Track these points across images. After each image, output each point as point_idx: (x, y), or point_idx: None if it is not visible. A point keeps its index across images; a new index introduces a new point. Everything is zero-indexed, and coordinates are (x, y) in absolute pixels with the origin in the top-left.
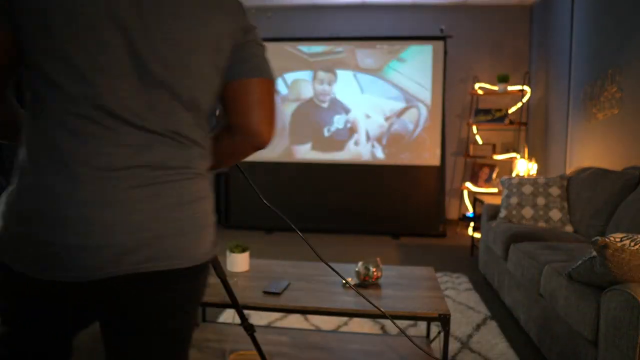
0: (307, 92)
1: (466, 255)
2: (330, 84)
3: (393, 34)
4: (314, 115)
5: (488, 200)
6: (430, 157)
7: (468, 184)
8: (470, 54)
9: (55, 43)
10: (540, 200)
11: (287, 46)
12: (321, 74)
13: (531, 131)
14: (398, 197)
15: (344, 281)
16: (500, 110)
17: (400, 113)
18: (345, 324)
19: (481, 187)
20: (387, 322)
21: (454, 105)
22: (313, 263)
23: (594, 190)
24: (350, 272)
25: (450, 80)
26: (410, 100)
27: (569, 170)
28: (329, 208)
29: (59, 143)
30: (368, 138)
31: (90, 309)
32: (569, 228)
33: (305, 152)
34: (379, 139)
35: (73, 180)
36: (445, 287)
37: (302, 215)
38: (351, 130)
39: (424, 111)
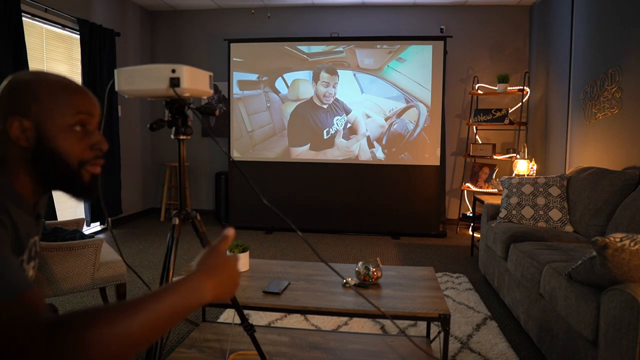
0: (307, 92)
1: (466, 255)
2: (334, 86)
3: (393, 34)
4: (313, 115)
5: (488, 200)
6: (430, 157)
7: (468, 184)
8: (470, 54)
9: None
10: (540, 200)
11: (287, 46)
12: (325, 76)
13: (531, 131)
14: (398, 197)
15: (344, 281)
16: (500, 110)
17: (400, 113)
18: (345, 324)
19: (481, 187)
20: (387, 322)
21: (454, 105)
22: (313, 263)
23: (594, 190)
24: (350, 272)
25: (450, 80)
26: (410, 100)
27: (569, 170)
28: (328, 208)
29: None
30: (368, 138)
31: None
32: (569, 228)
33: (304, 152)
34: (379, 139)
35: None
36: (445, 287)
37: (302, 215)
38: (351, 130)
39: (424, 111)
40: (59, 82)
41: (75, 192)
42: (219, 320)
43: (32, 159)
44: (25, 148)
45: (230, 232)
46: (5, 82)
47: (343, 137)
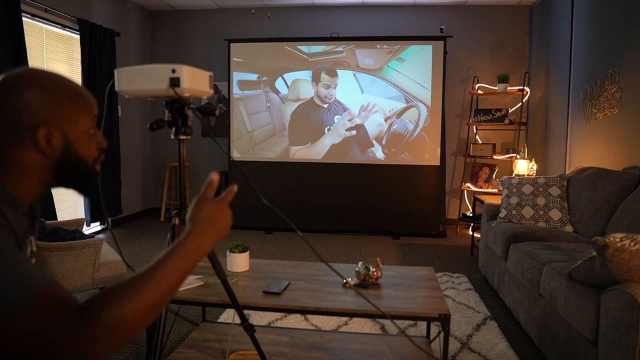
0: (307, 92)
1: (466, 255)
2: (335, 87)
3: (393, 34)
4: (314, 115)
5: (488, 200)
6: (430, 157)
7: (468, 184)
8: (470, 54)
9: None
10: (540, 200)
11: (287, 46)
12: (325, 78)
13: (531, 131)
14: (398, 197)
15: (344, 281)
16: (500, 110)
17: (400, 113)
18: (345, 324)
19: (481, 187)
20: (387, 322)
21: (454, 105)
22: (313, 263)
23: (594, 190)
24: (350, 272)
25: (450, 80)
26: (410, 100)
27: (569, 170)
28: (328, 208)
29: None
30: (368, 138)
31: None
32: (569, 228)
33: (305, 152)
34: (379, 139)
35: None
36: (445, 287)
37: (302, 215)
38: (351, 130)
39: (424, 111)
40: (72, 88)
41: (85, 190)
42: (219, 320)
43: (56, 166)
44: (49, 156)
45: (214, 176)
46: (16, 87)
47: (345, 137)
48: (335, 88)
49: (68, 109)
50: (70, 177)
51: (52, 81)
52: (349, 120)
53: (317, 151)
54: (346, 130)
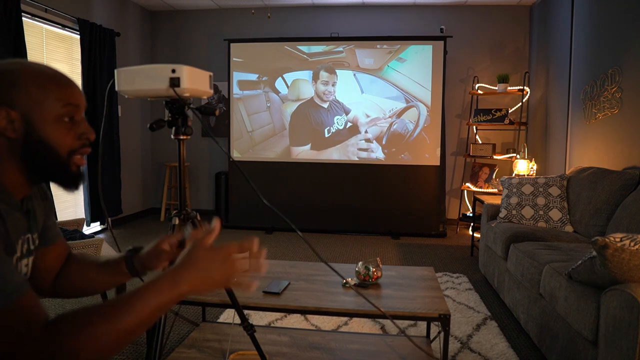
0: (307, 92)
1: (466, 255)
2: (333, 84)
3: (393, 34)
4: (314, 115)
5: (488, 200)
6: (430, 157)
7: (468, 184)
8: (470, 54)
9: None
10: (540, 200)
11: (287, 46)
12: (324, 75)
13: (531, 131)
14: (398, 197)
15: (344, 281)
16: (500, 110)
17: (400, 113)
18: (345, 324)
19: (481, 187)
20: (387, 322)
21: (454, 105)
22: (313, 263)
23: (594, 190)
24: (350, 272)
25: (450, 80)
26: (410, 100)
27: (569, 170)
28: (328, 208)
29: None
30: (368, 138)
31: None
32: (569, 228)
33: (305, 152)
34: (379, 139)
35: None
36: (445, 287)
37: (302, 215)
38: (351, 130)
39: (424, 111)
40: (45, 73)
41: (63, 182)
42: (219, 320)
43: (21, 150)
44: (13, 139)
45: (217, 223)
46: None
47: (344, 138)
48: (334, 85)
49: (33, 91)
50: (38, 164)
51: (23, 65)
52: (365, 140)
53: (322, 159)
54: (359, 149)
